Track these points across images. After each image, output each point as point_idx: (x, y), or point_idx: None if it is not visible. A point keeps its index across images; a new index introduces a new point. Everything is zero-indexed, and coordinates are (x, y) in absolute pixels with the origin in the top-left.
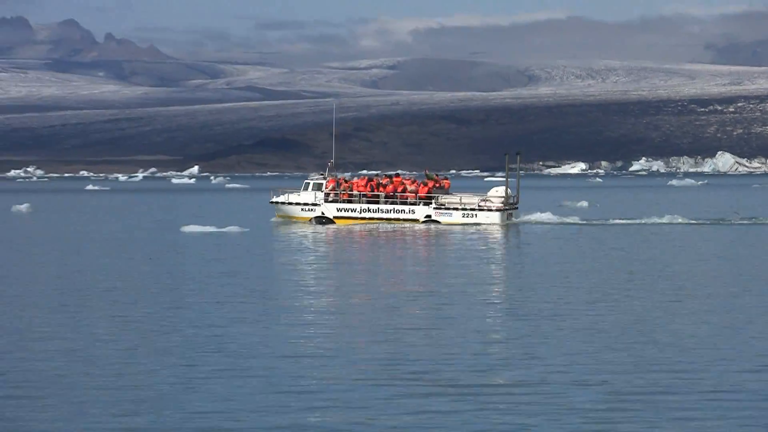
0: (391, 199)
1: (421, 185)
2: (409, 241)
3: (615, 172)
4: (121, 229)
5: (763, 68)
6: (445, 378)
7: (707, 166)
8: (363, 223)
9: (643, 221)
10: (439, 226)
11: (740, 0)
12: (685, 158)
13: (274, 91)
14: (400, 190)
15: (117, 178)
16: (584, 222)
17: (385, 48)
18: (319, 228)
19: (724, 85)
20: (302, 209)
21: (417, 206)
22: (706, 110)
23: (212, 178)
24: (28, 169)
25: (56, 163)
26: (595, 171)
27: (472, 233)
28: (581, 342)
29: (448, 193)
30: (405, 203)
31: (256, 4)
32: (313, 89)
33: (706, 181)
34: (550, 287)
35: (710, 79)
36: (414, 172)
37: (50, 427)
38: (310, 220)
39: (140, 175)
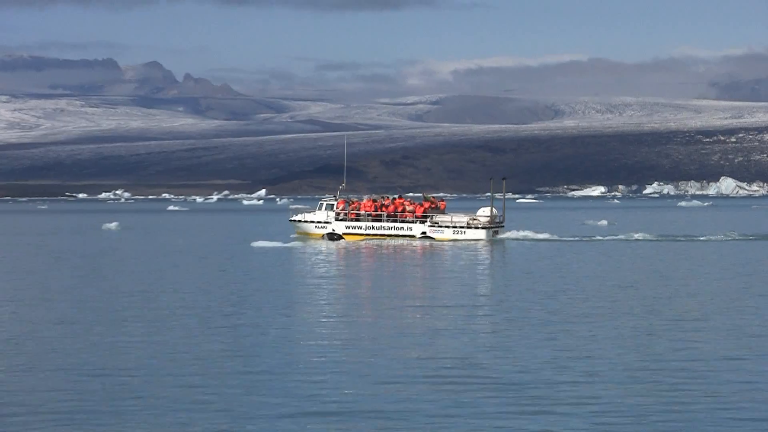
0: (392, 217)
1: (418, 206)
2: (407, 254)
3: (630, 195)
4: (199, 244)
5: (761, 103)
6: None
7: (712, 189)
8: (368, 239)
9: (596, 238)
10: (433, 242)
11: (740, 43)
12: (692, 182)
13: (332, 124)
14: (400, 210)
15: (195, 199)
16: (558, 239)
17: (429, 86)
18: (331, 243)
19: (727, 118)
20: (316, 227)
21: (414, 224)
22: (711, 140)
23: (278, 199)
24: (117, 191)
25: (141, 187)
26: (613, 193)
27: (462, 248)
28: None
29: (443, 213)
30: (404, 221)
31: (316, 48)
32: (365, 122)
33: (711, 203)
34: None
35: (714, 113)
36: (455, 195)
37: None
38: (323, 236)
39: (215, 197)
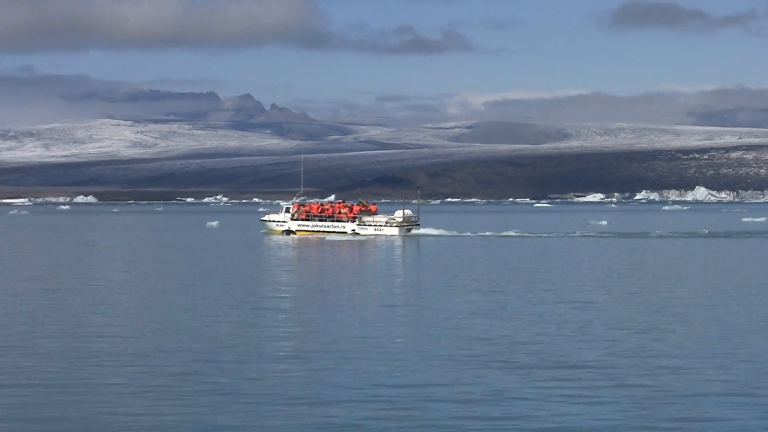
0: (331, 218)
1: (349, 209)
2: (341, 245)
3: (624, 200)
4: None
5: (728, 128)
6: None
7: (689, 197)
8: (313, 234)
9: (488, 233)
10: (359, 237)
11: (713, 80)
12: (673, 191)
13: (387, 144)
14: (337, 212)
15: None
16: (450, 234)
17: (465, 114)
18: (286, 237)
19: (701, 140)
20: (276, 225)
21: (346, 223)
22: (688, 157)
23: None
24: (217, 197)
25: (236, 193)
26: (609, 199)
27: (381, 242)
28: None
29: (372, 215)
30: (340, 221)
31: (376, 83)
32: (413, 143)
33: (689, 207)
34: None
35: (691, 136)
36: (484, 200)
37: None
38: (282, 232)
39: (295, 200)
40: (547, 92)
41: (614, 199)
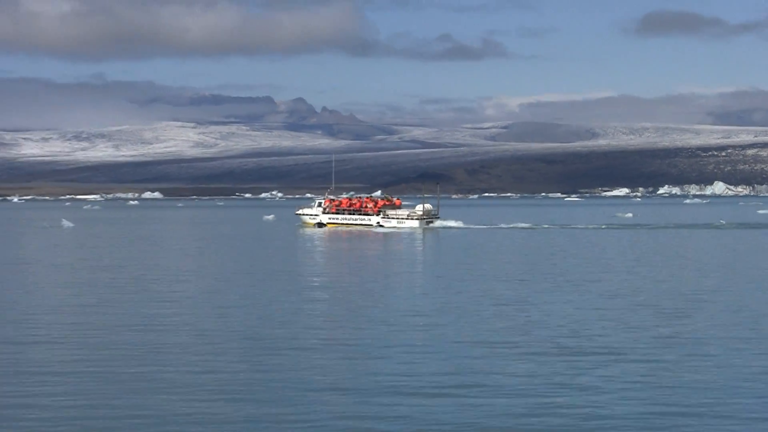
0: (358, 211)
1: (374, 203)
2: (367, 236)
3: (647, 195)
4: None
5: (745, 127)
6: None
7: (708, 191)
8: (343, 226)
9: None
10: (383, 229)
11: (730, 83)
12: (693, 185)
13: (429, 143)
14: (364, 206)
15: (424, 196)
16: (466, 226)
17: (501, 115)
18: (317, 229)
19: (719, 138)
20: (309, 218)
21: (372, 216)
22: (707, 155)
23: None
24: (273, 192)
25: (290, 189)
26: (634, 194)
27: (402, 233)
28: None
29: (396, 209)
30: (366, 214)
31: (420, 87)
32: (453, 142)
33: (708, 201)
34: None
35: (710, 135)
36: (518, 194)
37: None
38: (314, 224)
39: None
40: (577, 95)
41: (639, 194)
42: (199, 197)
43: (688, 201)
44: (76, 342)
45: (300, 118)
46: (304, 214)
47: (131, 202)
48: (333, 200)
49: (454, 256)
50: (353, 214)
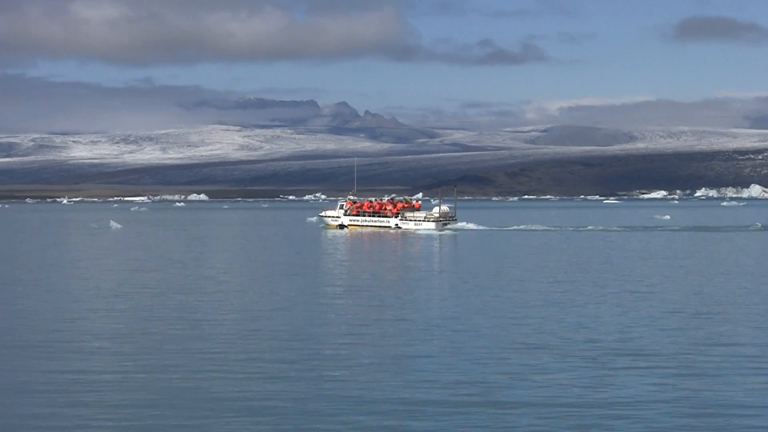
0: (378, 214)
1: (393, 205)
2: (385, 238)
3: (685, 197)
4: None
5: None
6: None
7: (744, 194)
8: (363, 227)
9: (520, 227)
10: (400, 230)
11: (767, 87)
12: (730, 188)
13: (469, 146)
14: (383, 208)
15: (441, 198)
16: (481, 228)
17: (541, 118)
18: (339, 231)
19: (756, 141)
20: (332, 220)
21: (390, 218)
22: (744, 158)
23: (431, 200)
24: (316, 194)
25: (333, 191)
26: (672, 196)
27: (420, 234)
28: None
29: (415, 211)
30: (385, 216)
31: (461, 91)
32: (494, 145)
33: (745, 203)
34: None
35: (747, 138)
36: (558, 197)
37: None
38: (336, 226)
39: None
40: (616, 99)
41: (676, 196)
42: (244, 199)
43: (724, 204)
44: (130, 346)
45: (343, 122)
46: (327, 216)
47: (177, 204)
48: (354, 203)
49: (470, 259)
50: (373, 216)
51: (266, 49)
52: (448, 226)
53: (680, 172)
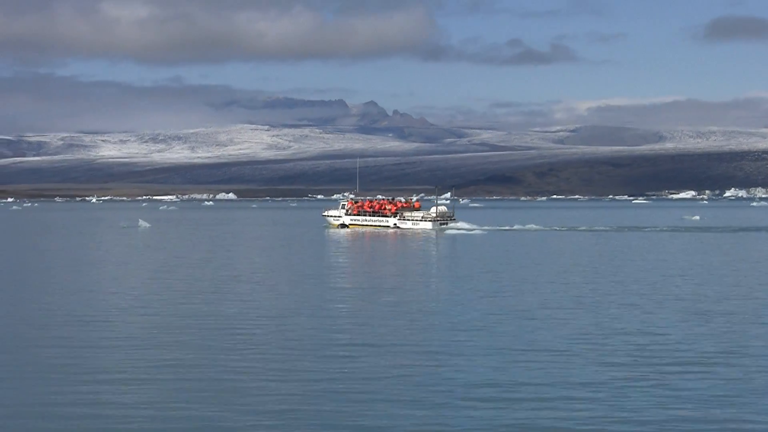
0: (377, 213)
1: (393, 205)
2: (384, 237)
3: (714, 198)
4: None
5: None
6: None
7: None
8: (363, 226)
9: (514, 227)
10: (398, 230)
11: None
12: (759, 188)
13: (498, 146)
14: (383, 208)
15: (400, 199)
16: (487, 228)
17: (569, 118)
18: (340, 230)
19: None
20: (333, 219)
21: (389, 218)
22: None
23: (460, 200)
24: (345, 193)
25: (362, 190)
26: (701, 196)
27: (417, 234)
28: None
29: (414, 211)
30: (384, 216)
31: (490, 91)
32: (522, 145)
33: None
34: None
35: None
36: (586, 197)
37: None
38: (337, 225)
39: (415, 198)
40: (645, 99)
41: (705, 196)
42: (273, 198)
43: (754, 204)
44: (157, 342)
45: (371, 121)
46: (329, 216)
47: (206, 203)
48: (356, 203)
49: (464, 258)
50: (373, 216)
51: (295, 48)
52: (443, 226)
53: (709, 172)
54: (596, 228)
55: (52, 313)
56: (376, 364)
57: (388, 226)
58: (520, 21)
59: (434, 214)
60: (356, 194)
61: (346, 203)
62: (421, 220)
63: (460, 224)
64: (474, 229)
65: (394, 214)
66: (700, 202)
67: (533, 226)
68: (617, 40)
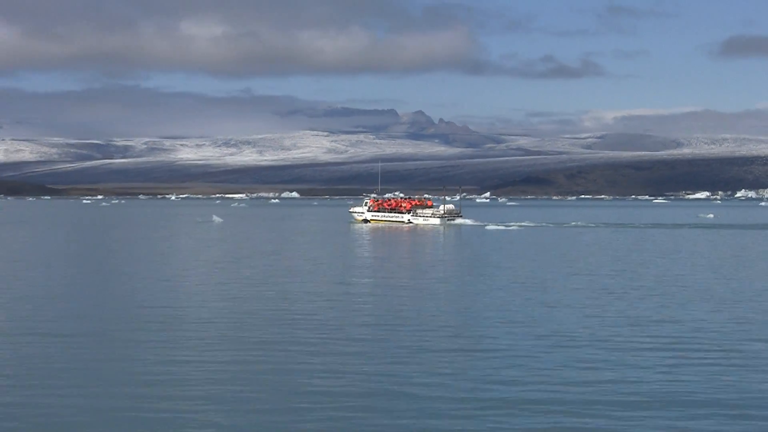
0: (394, 210)
1: (408, 203)
2: (400, 231)
3: (726, 198)
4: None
5: None
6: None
7: None
8: (382, 222)
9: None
10: (412, 225)
11: None
12: (767, 190)
13: (532, 151)
14: (399, 206)
15: (445, 198)
16: (484, 223)
17: (597, 126)
18: (364, 225)
19: None
20: (357, 215)
21: (404, 214)
22: None
23: (498, 199)
24: (395, 193)
25: (411, 191)
26: (714, 197)
27: (428, 228)
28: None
29: (426, 208)
30: (400, 212)
31: (526, 102)
32: (554, 150)
33: None
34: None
35: None
36: (611, 197)
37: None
38: (360, 220)
39: (458, 197)
40: (665, 109)
41: (718, 197)
42: (331, 197)
43: (763, 203)
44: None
45: (420, 129)
46: (354, 212)
47: (272, 201)
48: (377, 200)
49: (461, 249)
50: (390, 213)
51: (352, 63)
52: (452, 222)
53: (722, 175)
54: (601, 224)
55: (135, 302)
56: (441, 359)
57: (404, 222)
58: (553, 39)
59: (442, 211)
60: (378, 193)
61: (368, 201)
62: (431, 217)
63: (464, 220)
64: (474, 224)
65: (409, 211)
66: (714, 201)
67: (527, 223)
68: (640, 57)
